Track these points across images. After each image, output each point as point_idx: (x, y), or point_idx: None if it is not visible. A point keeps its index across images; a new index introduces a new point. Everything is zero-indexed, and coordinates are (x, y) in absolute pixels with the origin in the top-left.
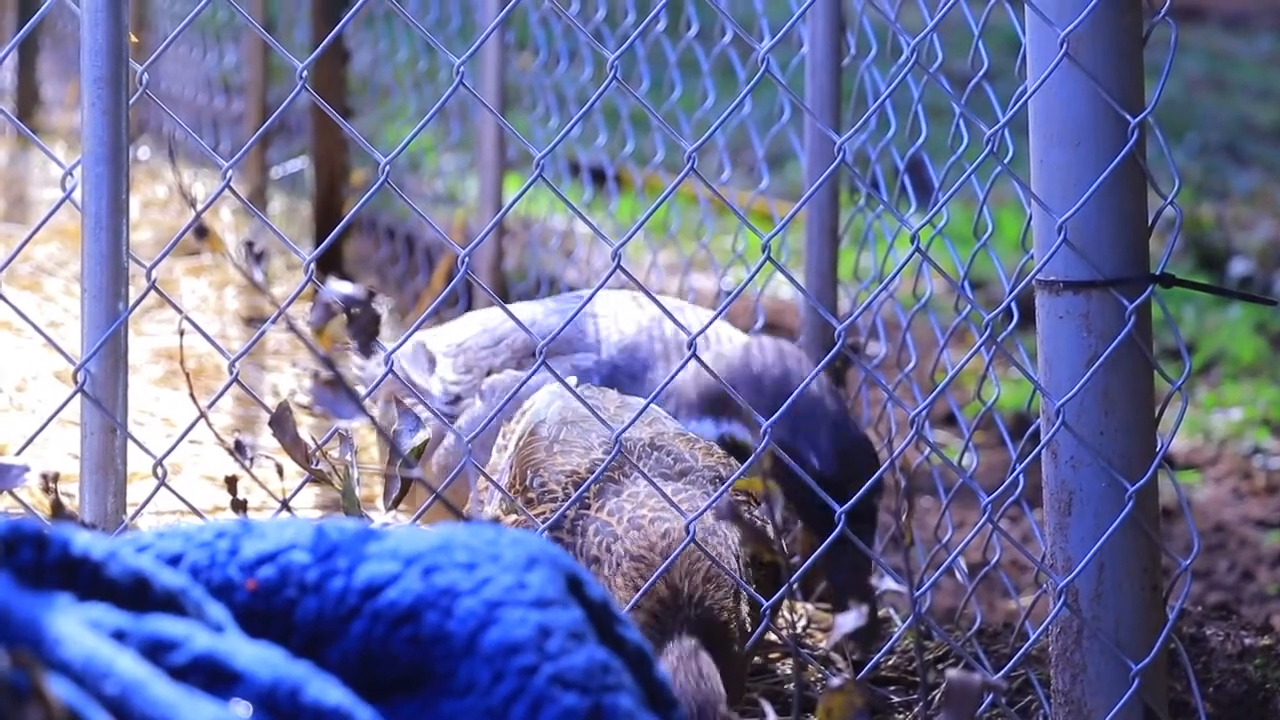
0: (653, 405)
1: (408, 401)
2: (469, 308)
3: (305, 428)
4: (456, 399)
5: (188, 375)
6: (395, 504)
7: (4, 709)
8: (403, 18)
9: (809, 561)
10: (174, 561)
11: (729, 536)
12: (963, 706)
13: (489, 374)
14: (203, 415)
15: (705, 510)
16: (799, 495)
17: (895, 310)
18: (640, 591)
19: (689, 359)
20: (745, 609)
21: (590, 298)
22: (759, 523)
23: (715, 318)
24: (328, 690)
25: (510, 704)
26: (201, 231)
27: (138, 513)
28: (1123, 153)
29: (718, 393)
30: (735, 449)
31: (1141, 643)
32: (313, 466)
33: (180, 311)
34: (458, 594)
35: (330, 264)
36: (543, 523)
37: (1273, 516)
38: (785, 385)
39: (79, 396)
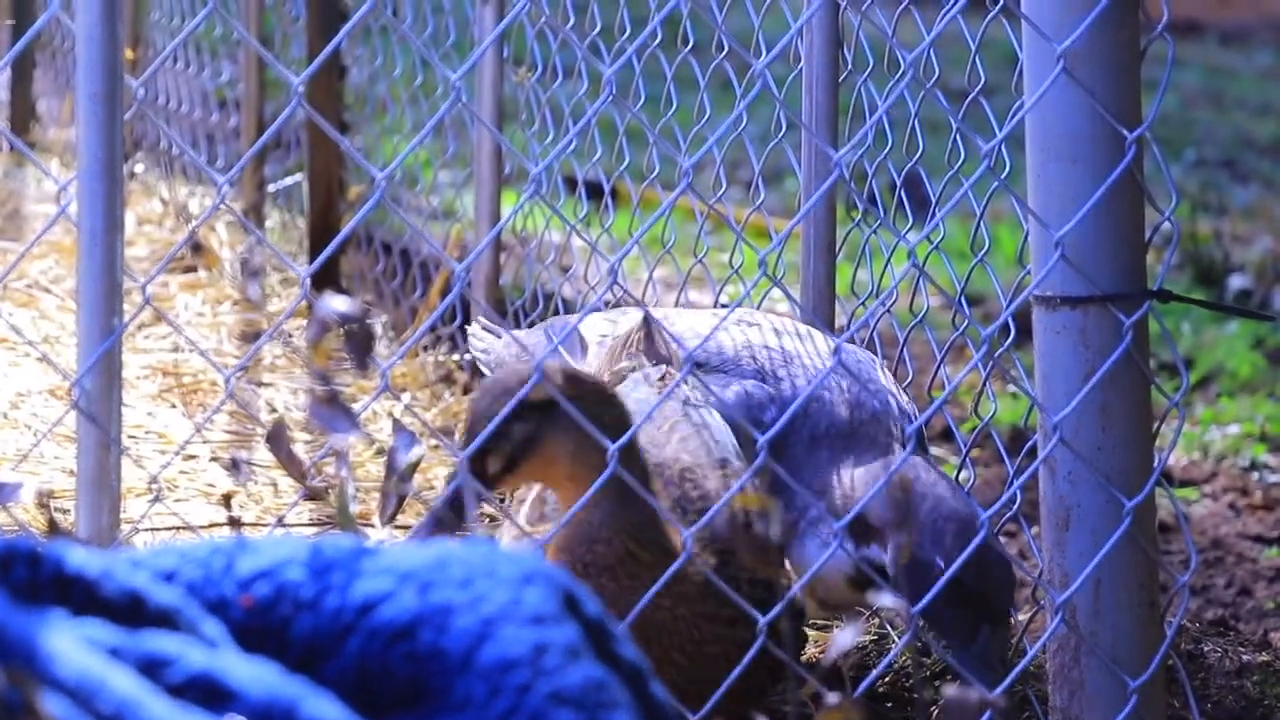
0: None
1: None
2: (465, 323)
3: (301, 444)
4: None
5: (183, 391)
6: (391, 520)
7: None
8: (399, 33)
9: (809, 575)
10: (169, 578)
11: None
12: None
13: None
14: (198, 431)
15: (704, 523)
16: (929, 604)
17: (892, 325)
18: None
19: (686, 372)
20: None
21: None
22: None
23: (712, 333)
24: (324, 707)
25: None
26: (197, 247)
27: (133, 529)
28: (1120, 168)
29: (862, 518)
30: (872, 572)
31: (1139, 659)
32: (308, 483)
33: (175, 327)
34: (453, 610)
35: (326, 279)
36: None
37: (1270, 532)
38: (922, 501)
39: (74, 412)
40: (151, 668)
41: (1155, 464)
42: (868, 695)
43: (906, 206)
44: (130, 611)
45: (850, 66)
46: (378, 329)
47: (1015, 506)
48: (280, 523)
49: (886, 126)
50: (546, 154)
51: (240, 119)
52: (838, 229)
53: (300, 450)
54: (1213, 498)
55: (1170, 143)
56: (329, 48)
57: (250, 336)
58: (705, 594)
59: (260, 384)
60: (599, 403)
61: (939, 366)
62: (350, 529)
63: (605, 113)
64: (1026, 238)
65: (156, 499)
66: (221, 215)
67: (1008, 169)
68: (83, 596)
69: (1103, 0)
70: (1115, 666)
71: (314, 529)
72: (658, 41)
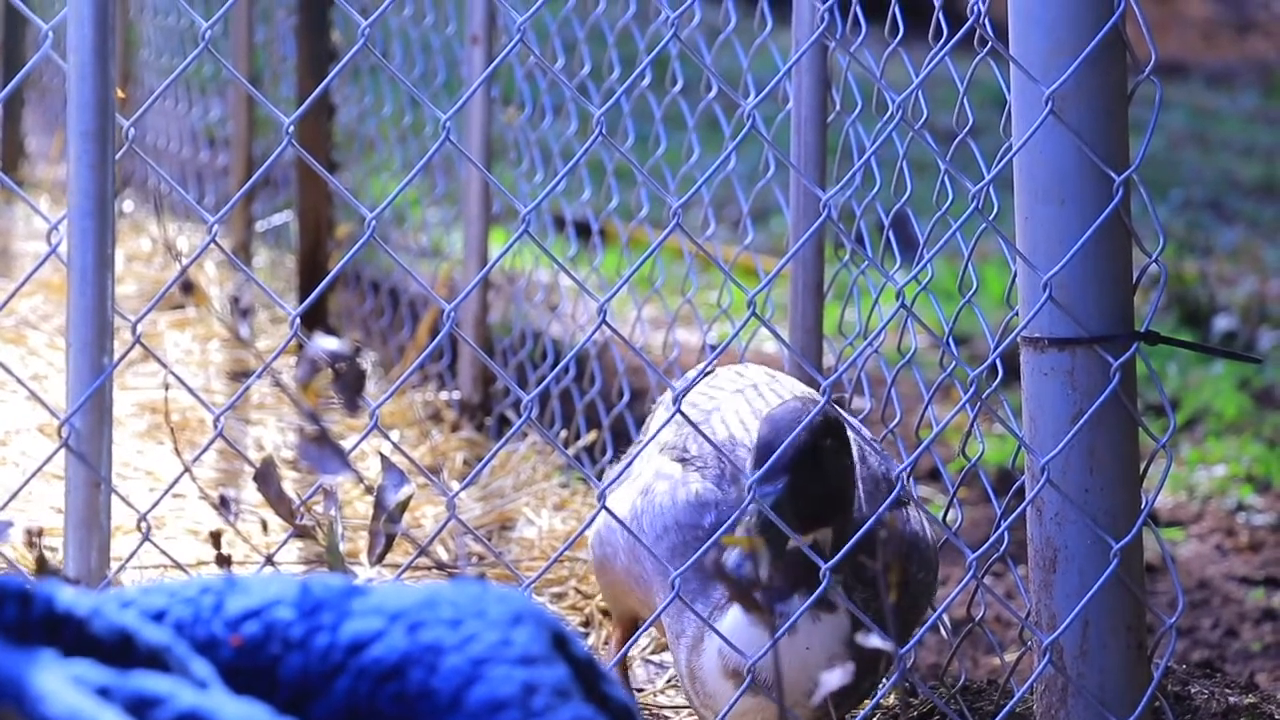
0: None
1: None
2: (454, 362)
3: (289, 482)
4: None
5: (172, 429)
6: (380, 559)
7: None
8: (388, 72)
9: (796, 615)
10: (158, 617)
11: None
12: None
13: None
14: (187, 470)
15: (689, 565)
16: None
17: (880, 365)
18: None
19: (674, 414)
20: None
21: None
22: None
23: (700, 372)
24: None
25: None
26: (187, 286)
27: (121, 567)
28: (1108, 210)
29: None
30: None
31: (1126, 700)
32: (297, 521)
33: (164, 365)
34: (443, 650)
35: (314, 318)
36: None
37: (1256, 573)
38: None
39: (63, 451)
40: (140, 707)
41: (1142, 505)
42: None
43: (894, 247)
44: (120, 651)
45: (839, 107)
46: (367, 368)
47: (1003, 547)
48: (269, 561)
49: (874, 167)
50: (535, 193)
51: (229, 157)
52: (826, 269)
53: (289, 488)
54: (1199, 539)
55: (1156, 184)
56: (319, 88)
57: (239, 375)
58: None
59: (249, 422)
60: None
61: (926, 407)
62: (340, 568)
63: (594, 152)
64: (1014, 279)
65: (146, 538)
66: (211, 253)
67: (995, 210)
68: (72, 636)
69: (1090, 43)
70: (1102, 708)
71: (303, 568)
72: (646, 82)
